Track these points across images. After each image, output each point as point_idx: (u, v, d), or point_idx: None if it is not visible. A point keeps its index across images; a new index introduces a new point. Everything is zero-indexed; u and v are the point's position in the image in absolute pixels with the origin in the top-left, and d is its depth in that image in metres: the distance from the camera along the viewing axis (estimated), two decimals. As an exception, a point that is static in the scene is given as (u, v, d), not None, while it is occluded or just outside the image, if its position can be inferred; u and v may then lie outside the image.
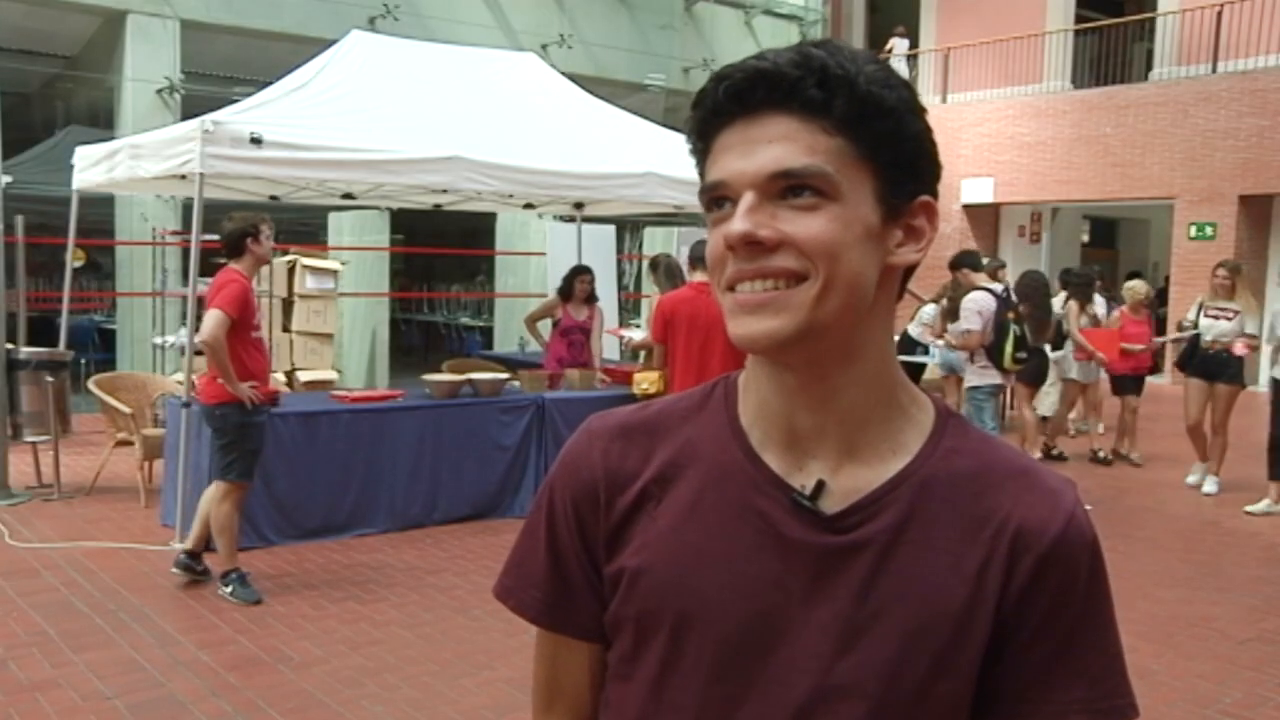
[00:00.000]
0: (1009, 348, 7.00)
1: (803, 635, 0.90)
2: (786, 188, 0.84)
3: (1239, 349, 7.50)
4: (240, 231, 5.02)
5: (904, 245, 0.90)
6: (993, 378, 7.11)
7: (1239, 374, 7.61)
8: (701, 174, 0.91)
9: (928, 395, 0.98)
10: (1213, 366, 7.64)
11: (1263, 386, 7.42)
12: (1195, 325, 7.87)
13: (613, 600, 0.97)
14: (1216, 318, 7.70)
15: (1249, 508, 7.22)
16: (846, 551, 0.90)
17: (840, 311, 0.86)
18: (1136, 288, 9.06)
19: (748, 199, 0.85)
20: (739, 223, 0.84)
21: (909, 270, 0.92)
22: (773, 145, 0.84)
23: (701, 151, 0.90)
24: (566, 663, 1.03)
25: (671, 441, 0.98)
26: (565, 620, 1.01)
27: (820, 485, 0.91)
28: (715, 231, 0.88)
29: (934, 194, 0.91)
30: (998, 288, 7.30)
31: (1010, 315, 7.13)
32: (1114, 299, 9.62)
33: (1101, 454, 8.95)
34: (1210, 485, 7.86)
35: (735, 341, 0.88)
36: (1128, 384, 8.86)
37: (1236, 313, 7.58)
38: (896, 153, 0.87)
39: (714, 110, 0.87)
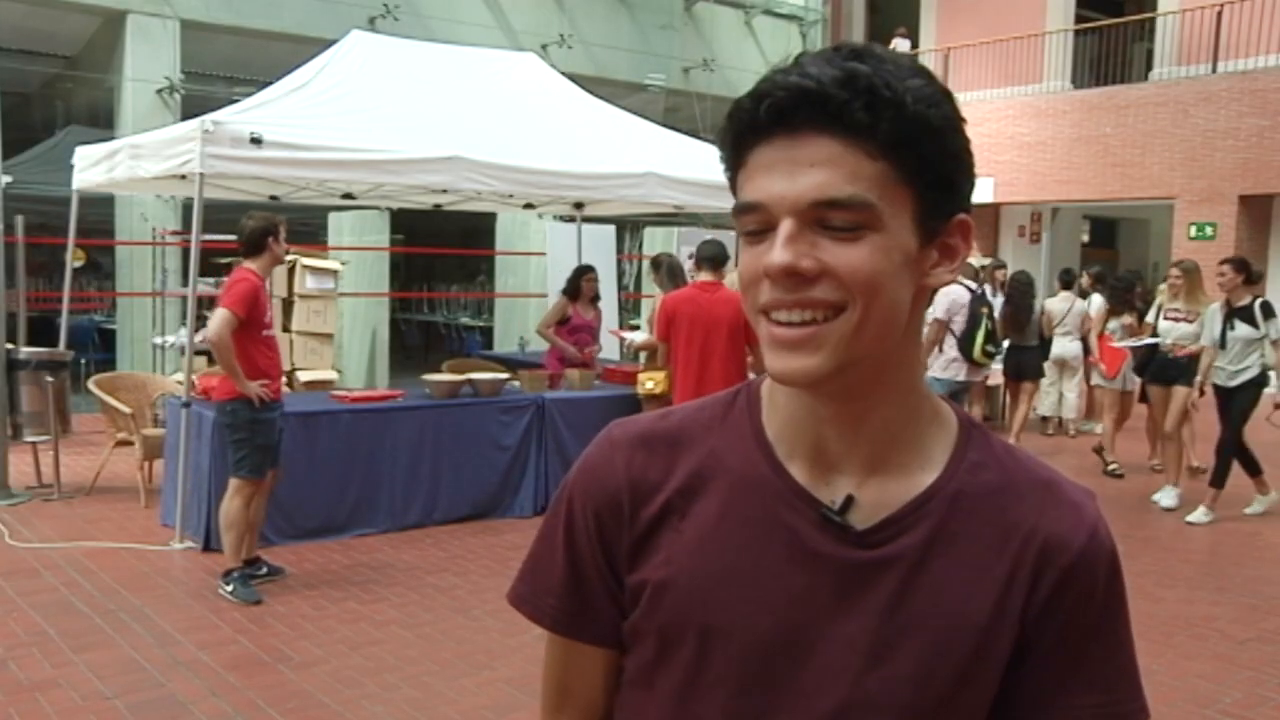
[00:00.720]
0: (980, 339, 7.29)
1: (830, 649, 0.90)
2: (828, 216, 0.82)
3: (1181, 352, 7.27)
4: (262, 230, 5.08)
5: (939, 266, 0.88)
6: (957, 374, 7.31)
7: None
8: (733, 186, 0.88)
9: (950, 405, 0.98)
10: (1171, 371, 7.38)
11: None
12: (1154, 330, 7.64)
13: (634, 611, 0.97)
14: (1176, 320, 7.41)
15: (1189, 517, 6.94)
16: (876, 566, 0.90)
17: (876, 341, 0.85)
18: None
19: (787, 226, 0.82)
20: (780, 254, 0.82)
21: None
22: (815, 170, 0.81)
23: (735, 165, 0.87)
24: (579, 668, 1.03)
25: (695, 452, 0.97)
26: (582, 628, 1.01)
27: (849, 500, 0.91)
28: (750, 252, 0.85)
29: (969, 209, 0.89)
30: (973, 285, 7.53)
31: (984, 309, 7.36)
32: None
33: (1113, 467, 8.47)
34: (1169, 498, 7.34)
35: (772, 376, 0.87)
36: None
37: (1198, 314, 7.24)
38: (938, 174, 0.84)
39: (752, 127, 0.84)
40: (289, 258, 10.18)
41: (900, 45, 17.76)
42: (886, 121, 0.80)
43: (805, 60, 0.83)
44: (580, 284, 7.88)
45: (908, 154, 0.82)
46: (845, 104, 0.80)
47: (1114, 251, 20.46)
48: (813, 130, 0.81)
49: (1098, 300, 9.49)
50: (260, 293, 5.04)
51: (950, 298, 7.23)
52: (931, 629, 0.89)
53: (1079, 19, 16.88)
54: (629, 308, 13.88)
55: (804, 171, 0.81)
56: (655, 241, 13.46)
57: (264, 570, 5.25)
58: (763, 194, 0.83)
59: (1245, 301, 6.84)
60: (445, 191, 7.58)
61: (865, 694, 0.89)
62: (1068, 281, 9.96)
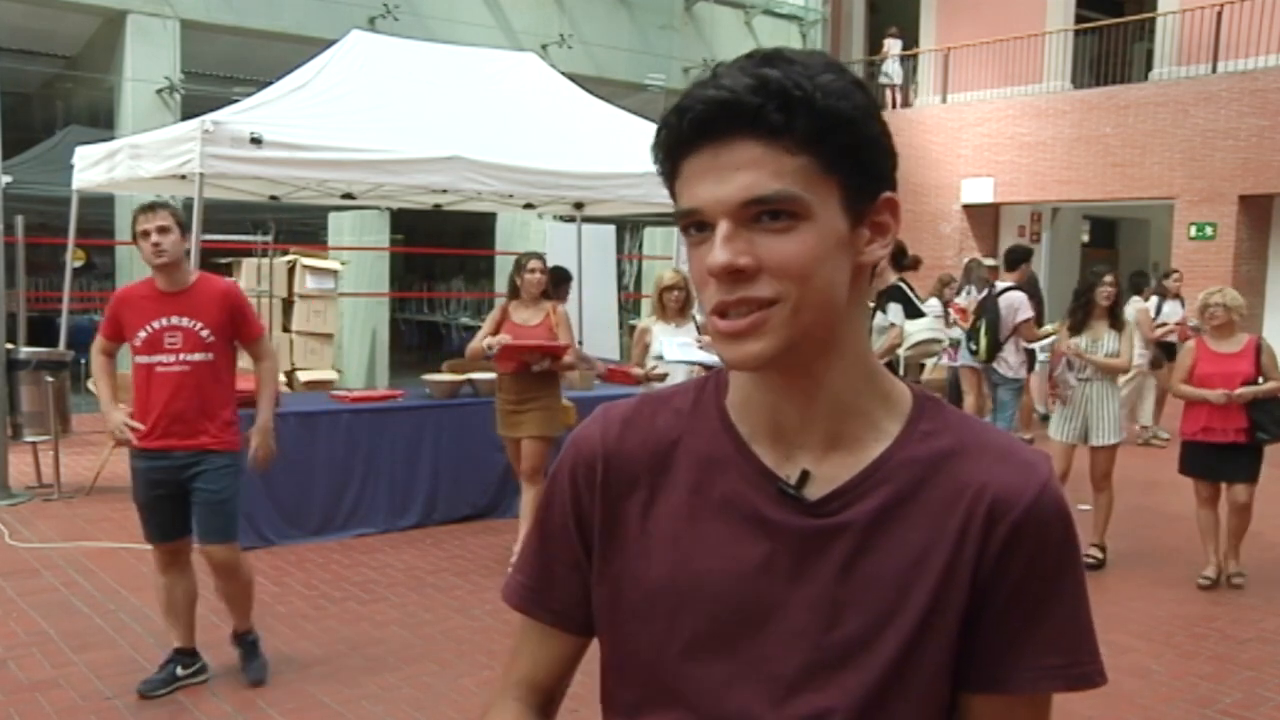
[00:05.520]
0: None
1: (791, 614, 0.95)
2: (760, 212, 0.87)
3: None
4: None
5: (872, 243, 0.93)
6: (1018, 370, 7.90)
7: None
8: (672, 193, 0.94)
9: (905, 383, 1.02)
10: None
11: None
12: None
13: (602, 586, 1.02)
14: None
15: None
16: (828, 533, 0.95)
17: (817, 321, 0.90)
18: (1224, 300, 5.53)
19: (723, 227, 0.88)
20: (719, 254, 0.87)
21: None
22: (741, 172, 0.87)
23: (670, 175, 0.93)
24: (529, 645, 1.09)
25: (669, 433, 1.03)
26: (537, 603, 1.07)
27: (805, 475, 0.95)
28: (695, 255, 0.91)
29: (894, 186, 0.94)
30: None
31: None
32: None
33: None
34: None
35: (727, 364, 0.94)
36: (1209, 459, 5.54)
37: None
38: (857, 160, 0.90)
39: (679, 140, 0.90)
40: (288, 258, 10.21)
41: (892, 45, 17.79)
42: (801, 119, 0.86)
43: (721, 72, 0.89)
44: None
45: (825, 146, 0.87)
46: (759, 108, 0.86)
47: (1114, 251, 20.46)
48: (734, 136, 0.87)
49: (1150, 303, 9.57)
50: (123, 308, 4.10)
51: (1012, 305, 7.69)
52: (884, 588, 0.93)
53: (1079, 19, 16.87)
54: (629, 308, 13.88)
55: (731, 175, 0.87)
56: (655, 241, 13.47)
57: (195, 666, 4.08)
58: (697, 200, 0.90)
59: (887, 286, 6.04)
60: (445, 191, 7.58)
61: (826, 655, 0.93)
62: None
